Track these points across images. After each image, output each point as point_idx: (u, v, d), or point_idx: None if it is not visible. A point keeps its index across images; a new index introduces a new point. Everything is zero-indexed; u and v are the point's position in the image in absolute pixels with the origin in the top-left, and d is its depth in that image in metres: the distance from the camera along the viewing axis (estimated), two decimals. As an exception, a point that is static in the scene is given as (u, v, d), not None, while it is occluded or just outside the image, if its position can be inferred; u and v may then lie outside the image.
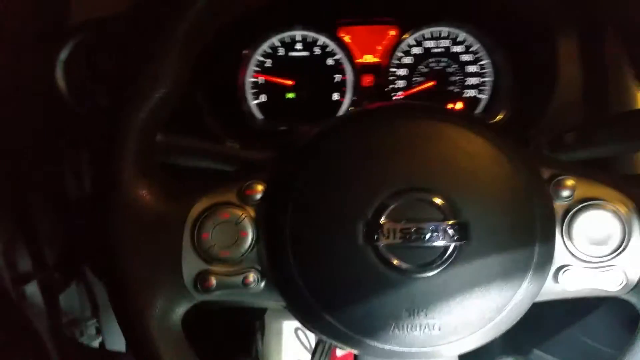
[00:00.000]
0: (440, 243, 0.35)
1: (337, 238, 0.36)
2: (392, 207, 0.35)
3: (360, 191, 0.36)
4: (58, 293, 0.71)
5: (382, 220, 0.35)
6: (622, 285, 0.38)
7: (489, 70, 0.65)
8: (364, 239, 0.35)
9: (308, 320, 0.38)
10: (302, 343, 1.02)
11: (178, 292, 0.38)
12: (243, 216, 0.38)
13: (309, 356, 0.98)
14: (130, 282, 0.37)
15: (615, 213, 0.37)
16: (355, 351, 0.39)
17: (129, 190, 0.36)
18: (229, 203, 0.38)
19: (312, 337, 1.01)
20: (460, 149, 0.36)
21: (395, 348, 0.36)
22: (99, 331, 0.77)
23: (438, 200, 0.35)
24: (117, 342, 0.77)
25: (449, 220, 0.35)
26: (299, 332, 1.01)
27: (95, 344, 0.77)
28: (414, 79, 0.65)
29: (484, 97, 0.66)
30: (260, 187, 0.38)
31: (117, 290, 0.37)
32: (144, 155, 0.38)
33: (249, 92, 0.64)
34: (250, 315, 0.95)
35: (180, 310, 0.39)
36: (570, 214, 0.38)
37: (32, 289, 0.67)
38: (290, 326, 1.02)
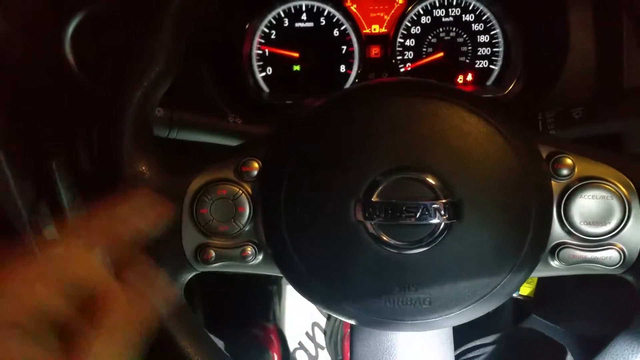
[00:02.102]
0: (431, 221, 0.35)
1: (330, 215, 0.36)
2: (383, 185, 0.35)
3: (352, 169, 0.36)
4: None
5: (374, 198, 0.36)
6: (620, 264, 0.37)
7: (500, 40, 0.63)
8: (355, 216, 0.36)
9: (304, 291, 0.39)
10: (318, 307, 1.05)
11: (179, 264, 0.39)
12: (240, 192, 0.39)
13: (325, 320, 1.01)
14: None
15: (615, 192, 0.37)
16: (349, 321, 0.40)
17: (129, 166, 0.37)
18: (226, 180, 0.39)
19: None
20: (454, 126, 0.36)
21: (388, 320, 0.37)
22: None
23: (430, 179, 0.35)
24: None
25: (441, 198, 0.35)
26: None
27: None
28: (422, 49, 0.64)
29: (495, 68, 0.64)
30: (256, 164, 0.39)
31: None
32: (143, 132, 0.38)
33: (255, 64, 0.64)
34: (268, 280, 0.98)
35: (182, 280, 0.40)
36: (568, 192, 0.37)
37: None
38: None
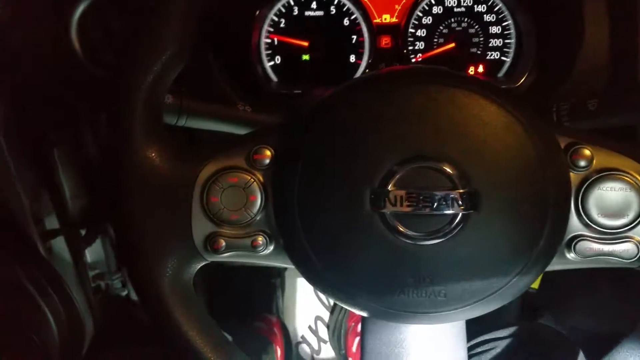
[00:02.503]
0: (448, 212, 0.34)
1: (344, 204, 0.35)
2: (400, 174, 0.35)
3: (368, 157, 0.35)
4: (84, 248, 0.73)
5: (390, 187, 0.35)
6: (637, 257, 0.37)
7: (512, 31, 0.62)
8: (370, 205, 0.35)
9: (316, 283, 0.38)
10: (321, 301, 1.04)
11: (188, 253, 0.38)
12: (252, 181, 0.38)
13: (328, 314, 1.01)
14: (141, 242, 0.37)
15: (634, 184, 0.36)
16: (362, 313, 0.39)
17: (138, 151, 0.37)
18: (237, 167, 0.38)
19: (329, 297, 1.03)
20: (472, 115, 0.35)
21: (401, 312, 0.36)
22: (124, 284, 0.79)
23: (447, 168, 0.35)
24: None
25: (458, 189, 0.34)
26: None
27: (122, 298, 0.79)
28: (433, 40, 0.63)
29: (506, 60, 0.63)
30: (268, 152, 0.38)
31: (129, 250, 0.38)
32: (152, 117, 0.38)
33: (264, 53, 0.63)
34: (271, 274, 0.97)
35: (191, 270, 0.40)
36: (586, 184, 0.37)
37: (60, 245, 0.69)
38: (309, 285, 1.04)
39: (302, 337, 0.97)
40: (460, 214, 0.35)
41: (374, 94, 0.36)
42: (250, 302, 0.95)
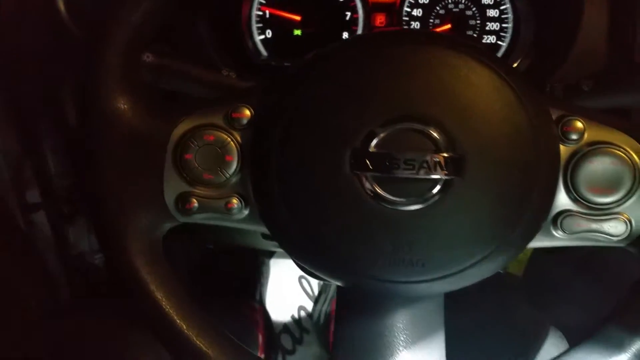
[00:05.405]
0: (430, 176, 0.33)
1: (323, 166, 0.34)
2: (381, 135, 0.33)
3: (349, 118, 0.34)
4: (66, 226, 0.71)
5: (371, 149, 0.33)
6: (626, 235, 0.35)
7: (509, 15, 0.61)
8: (350, 167, 0.33)
9: (291, 249, 0.37)
10: (305, 291, 1.03)
11: (158, 212, 0.37)
12: (228, 140, 0.36)
13: (312, 304, 1.00)
14: (108, 197, 0.36)
15: (626, 159, 0.35)
16: (337, 282, 0.38)
17: (110, 103, 0.35)
18: (214, 125, 0.37)
19: (315, 286, 1.01)
20: (461, 77, 0.34)
21: (378, 281, 0.35)
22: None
23: (432, 131, 0.33)
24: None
25: (443, 152, 0.33)
26: (303, 280, 1.02)
27: (103, 276, 0.78)
28: (429, 20, 0.62)
29: (503, 44, 0.62)
30: (247, 112, 0.36)
31: (95, 205, 0.36)
32: (128, 71, 0.36)
33: (254, 26, 0.61)
34: (256, 261, 0.96)
35: (160, 230, 0.38)
36: (577, 157, 0.35)
37: (41, 219, 0.68)
38: (294, 274, 1.03)
39: (285, 326, 0.96)
40: (444, 179, 0.33)
41: (360, 53, 0.35)
42: (234, 288, 0.93)
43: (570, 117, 0.35)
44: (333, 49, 0.36)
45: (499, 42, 0.62)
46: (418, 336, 0.39)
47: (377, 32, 0.39)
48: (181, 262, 0.88)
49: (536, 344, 0.52)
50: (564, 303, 0.68)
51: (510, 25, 0.61)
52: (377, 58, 0.34)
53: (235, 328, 0.84)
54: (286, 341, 0.95)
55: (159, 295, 0.36)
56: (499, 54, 0.62)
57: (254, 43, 0.62)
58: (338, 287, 0.41)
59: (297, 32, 0.62)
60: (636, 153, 0.35)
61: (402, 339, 0.38)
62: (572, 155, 0.35)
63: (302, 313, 0.98)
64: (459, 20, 0.61)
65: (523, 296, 0.68)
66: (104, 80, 0.35)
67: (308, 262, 0.37)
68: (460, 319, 0.55)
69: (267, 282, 0.97)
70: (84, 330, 0.65)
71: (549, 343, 0.51)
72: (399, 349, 0.39)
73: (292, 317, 0.97)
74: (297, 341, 0.95)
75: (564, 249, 0.38)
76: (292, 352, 0.95)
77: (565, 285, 0.67)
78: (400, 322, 0.39)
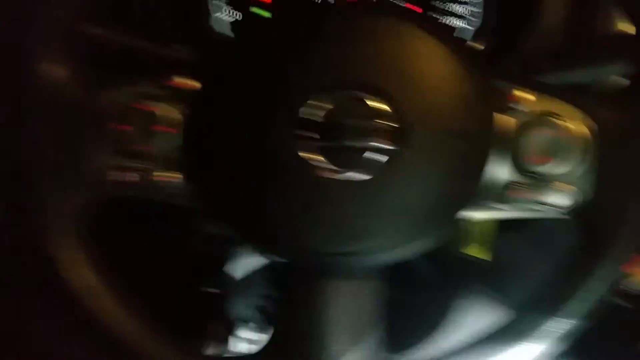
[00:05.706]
0: (372, 145, 0.32)
1: (261, 134, 0.32)
2: (321, 103, 0.32)
3: (291, 85, 0.32)
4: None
5: (314, 117, 0.32)
6: (570, 207, 0.35)
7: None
8: (292, 135, 0.32)
9: (228, 224, 0.35)
10: (272, 280, 1.01)
11: (87, 185, 0.35)
12: (165, 111, 0.35)
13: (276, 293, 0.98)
14: (32, 165, 0.33)
15: (574, 131, 0.34)
16: (276, 258, 0.36)
17: (43, 71, 0.33)
18: (149, 95, 0.35)
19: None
20: (407, 46, 0.33)
21: (318, 255, 0.34)
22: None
23: (375, 100, 0.32)
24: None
25: (385, 122, 0.32)
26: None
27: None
28: (395, 1, 0.60)
29: (469, 27, 0.61)
30: (184, 82, 0.35)
31: (15, 174, 0.34)
32: (64, 39, 0.34)
33: (212, 2, 0.59)
34: (218, 244, 0.94)
35: (92, 205, 0.36)
36: (524, 128, 0.34)
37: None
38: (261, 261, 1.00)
39: (249, 316, 0.94)
40: (387, 149, 0.32)
41: (305, 21, 0.34)
42: (195, 275, 0.91)
43: (520, 89, 0.35)
44: (270, 18, 0.35)
45: (465, 26, 0.61)
46: (356, 314, 0.38)
47: (324, 1, 0.37)
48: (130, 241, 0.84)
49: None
50: (515, 281, 0.68)
51: (477, 10, 0.60)
52: (323, 25, 0.33)
53: (193, 317, 0.82)
54: (247, 331, 0.94)
55: (73, 275, 0.34)
56: (469, 40, 0.61)
57: (213, 21, 0.60)
58: (278, 267, 0.40)
59: (262, 12, 0.60)
60: (585, 126, 0.34)
61: (343, 318, 0.37)
62: (521, 126, 0.34)
63: (268, 303, 0.97)
64: (424, 2, 0.60)
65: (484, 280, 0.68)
66: (36, 49, 0.33)
67: (246, 237, 0.35)
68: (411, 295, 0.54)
69: (229, 270, 0.95)
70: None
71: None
72: (338, 328, 0.38)
73: (257, 307, 0.96)
74: (260, 330, 0.94)
75: (513, 226, 0.37)
76: (256, 341, 0.94)
77: (515, 263, 0.67)
78: (338, 299, 0.37)
